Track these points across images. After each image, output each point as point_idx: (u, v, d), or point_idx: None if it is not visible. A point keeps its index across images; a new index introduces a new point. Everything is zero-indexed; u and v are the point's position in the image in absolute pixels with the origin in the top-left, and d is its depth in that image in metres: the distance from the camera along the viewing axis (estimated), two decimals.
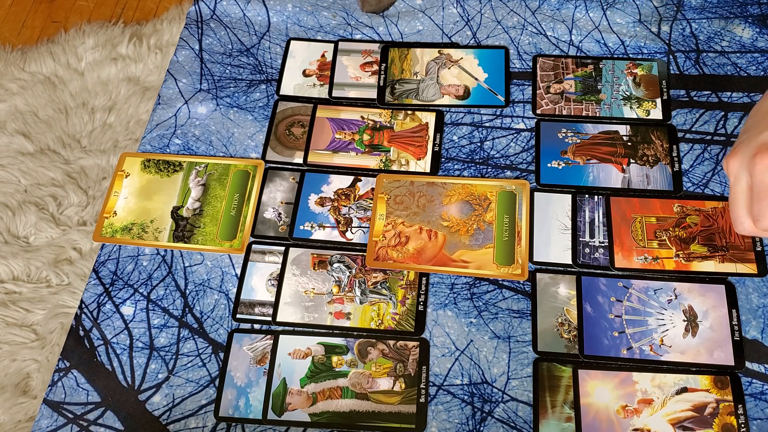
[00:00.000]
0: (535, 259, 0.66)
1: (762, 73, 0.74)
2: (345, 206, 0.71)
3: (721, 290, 0.62)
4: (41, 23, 1.65)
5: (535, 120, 0.74)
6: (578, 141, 0.72)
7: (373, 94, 0.77)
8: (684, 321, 0.61)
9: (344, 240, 0.69)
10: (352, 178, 0.72)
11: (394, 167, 0.73)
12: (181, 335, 0.66)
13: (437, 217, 0.69)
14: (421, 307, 0.65)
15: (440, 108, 0.76)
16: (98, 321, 0.67)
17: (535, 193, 0.69)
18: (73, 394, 0.63)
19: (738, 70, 0.74)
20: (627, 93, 0.74)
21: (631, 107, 0.73)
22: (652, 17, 0.79)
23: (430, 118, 0.75)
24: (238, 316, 0.66)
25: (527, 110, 0.75)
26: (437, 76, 0.78)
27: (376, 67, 0.79)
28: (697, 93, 0.74)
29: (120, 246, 0.71)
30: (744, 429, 0.57)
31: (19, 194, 1.32)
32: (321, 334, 0.64)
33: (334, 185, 0.72)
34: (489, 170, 0.72)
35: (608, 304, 0.63)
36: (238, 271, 0.68)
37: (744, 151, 0.50)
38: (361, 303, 0.65)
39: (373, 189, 0.71)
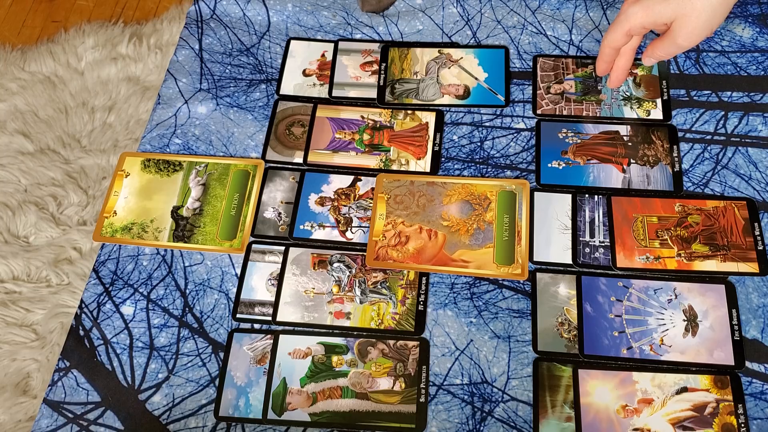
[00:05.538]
0: (535, 259, 0.66)
1: (762, 72, 0.74)
2: (345, 206, 0.71)
3: (721, 290, 0.62)
4: (41, 23, 1.65)
5: (536, 120, 0.74)
6: (578, 141, 0.72)
7: (373, 93, 0.77)
8: (684, 321, 0.61)
9: (344, 240, 0.69)
10: (352, 177, 0.72)
11: (394, 167, 0.73)
12: (181, 335, 0.66)
13: (437, 217, 0.68)
14: (421, 307, 0.65)
15: (440, 108, 0.76)
16: (98, 321, 0.67)
17: (535, 193, 0.69)
18: (73, 393, 0.63)
19: (738, 69, 0.74)
20: (627, 93, 0.74)
21: (631, 107, 0.73)
22: None
23: (430, 117, 0.75)
24: (238, 315, 0.66)
25: (527, 110, 0.75)
26: (437, 76, 0.78)
27: (376, 67, 0.79)
28: (697, 93, 0.73)
29: (120, 246, 0.71)
30: (744, 429, 0.57)
31: (19, 194, 1.32)
32: (321, 333, 0.64)
33: (334, 185, 0.72)
34: (489, 170, 0.72)
35: (608, 303, 0.63)
36: (238, 271, 0.68)
37: None
38: (361, 303, 0.65)
39: (373, 189, 0.71)
